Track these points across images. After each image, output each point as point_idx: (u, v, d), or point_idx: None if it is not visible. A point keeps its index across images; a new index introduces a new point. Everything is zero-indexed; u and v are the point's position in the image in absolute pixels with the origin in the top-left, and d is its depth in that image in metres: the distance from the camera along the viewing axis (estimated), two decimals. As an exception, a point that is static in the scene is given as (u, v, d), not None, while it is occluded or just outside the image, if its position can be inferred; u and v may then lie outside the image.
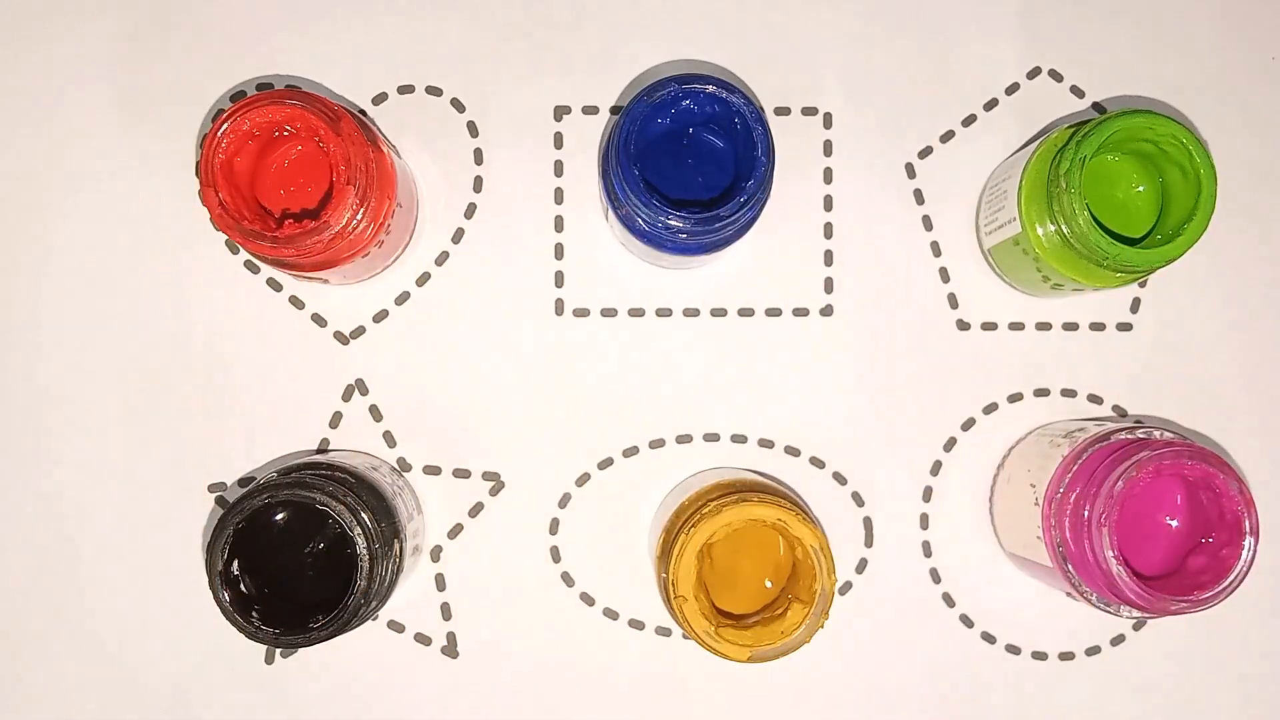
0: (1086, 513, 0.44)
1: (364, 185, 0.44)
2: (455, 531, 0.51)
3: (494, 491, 0.51)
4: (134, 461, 0.51)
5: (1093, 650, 0.52)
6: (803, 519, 0.44)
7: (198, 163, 0.50)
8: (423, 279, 0.51)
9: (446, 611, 0.51)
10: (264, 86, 0.51)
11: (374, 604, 0.44)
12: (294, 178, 0.47)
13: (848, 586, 0.51)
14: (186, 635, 0.50)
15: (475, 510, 0.51)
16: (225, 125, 0.43)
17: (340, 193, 0.43)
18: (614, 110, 0.52)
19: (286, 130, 0.44)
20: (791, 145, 0.51)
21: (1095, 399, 0.52)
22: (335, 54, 0.51)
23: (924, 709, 0.51)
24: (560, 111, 0.52)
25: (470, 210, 0.52)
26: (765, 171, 0.44)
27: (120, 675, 0.50)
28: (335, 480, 0.45)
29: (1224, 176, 0.46)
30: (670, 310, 0.52)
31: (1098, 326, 0.52)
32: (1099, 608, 0.45)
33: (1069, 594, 0.46)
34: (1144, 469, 0.43)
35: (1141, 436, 0.45)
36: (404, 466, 0.51)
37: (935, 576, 0.52)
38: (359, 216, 0.44)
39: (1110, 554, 0.43)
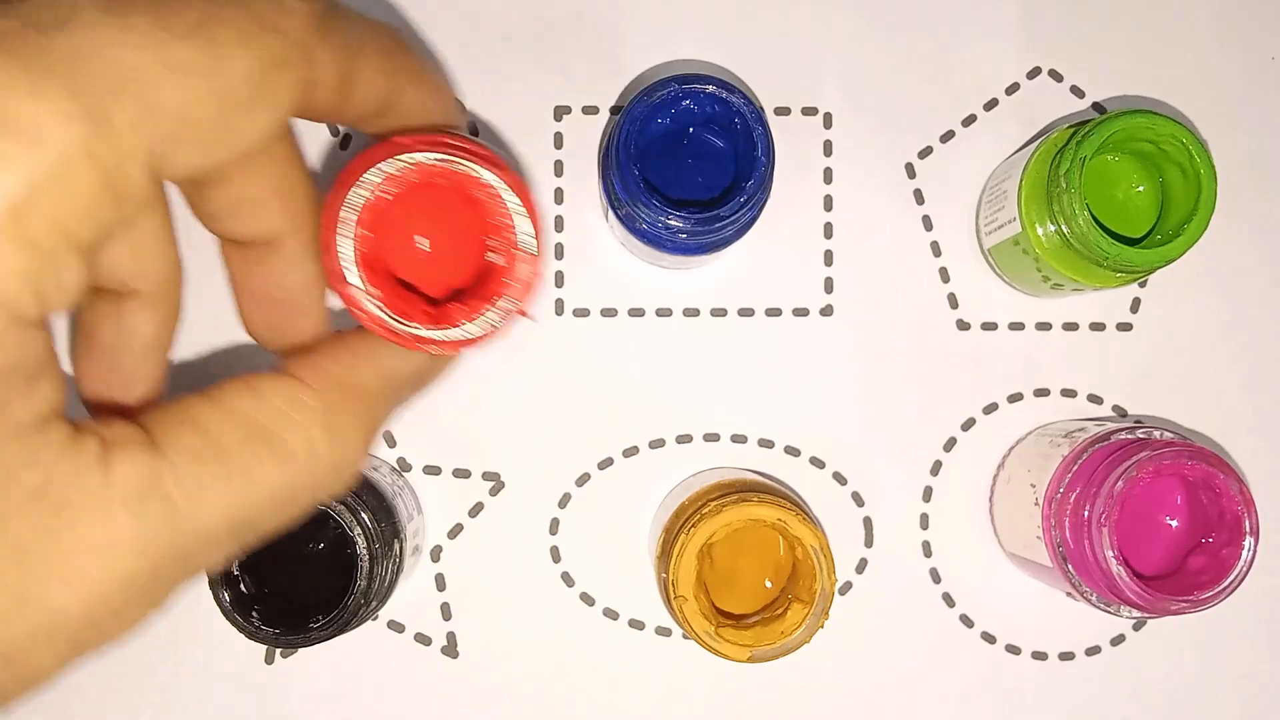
0: (1086, 513, 0.44)
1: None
2: (455, 531, 0.51)
3: (494, 491, 0.51)
4: (134, 461, 0.51)
5: (1093, 650, 0.52)
6: (803, 519, 0.44)
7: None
8: (423, 279, 0.51)
9: (446, 611, 0.51)
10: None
11: (374, 604, 0.44)
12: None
13: (848, 586, 0.51)
14: (186, 635, 0.50)
15: (475, 510, 0.51)
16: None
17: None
18: (614, 110, 0.52)
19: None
20: (791, 145, 0.51)
21: (1095, 399, 0.52)
22: (335, 54, 0.51)
23: (924, 709, 0.51)
24: (560, 111, 0.52)
25: (470, 210, 0.52)
26: (765, 171, 0.44)
27: (120, 675, 0.50)
28: (335, 480, 0.45)
29: (1224, 176, 0.46)
30: (670, 310, 0.52)
31: (1098, 326, 0.52)
32: (1099, 608, 0.45)
33: (1069, 594, 0.46)
34: (1144, 469, 0.43)
35: (1141, 436, 0.45)
36: (404, 466, 0.51)
37: (935, 576, 0.52)
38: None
39: (1110, 554, 0.43)
